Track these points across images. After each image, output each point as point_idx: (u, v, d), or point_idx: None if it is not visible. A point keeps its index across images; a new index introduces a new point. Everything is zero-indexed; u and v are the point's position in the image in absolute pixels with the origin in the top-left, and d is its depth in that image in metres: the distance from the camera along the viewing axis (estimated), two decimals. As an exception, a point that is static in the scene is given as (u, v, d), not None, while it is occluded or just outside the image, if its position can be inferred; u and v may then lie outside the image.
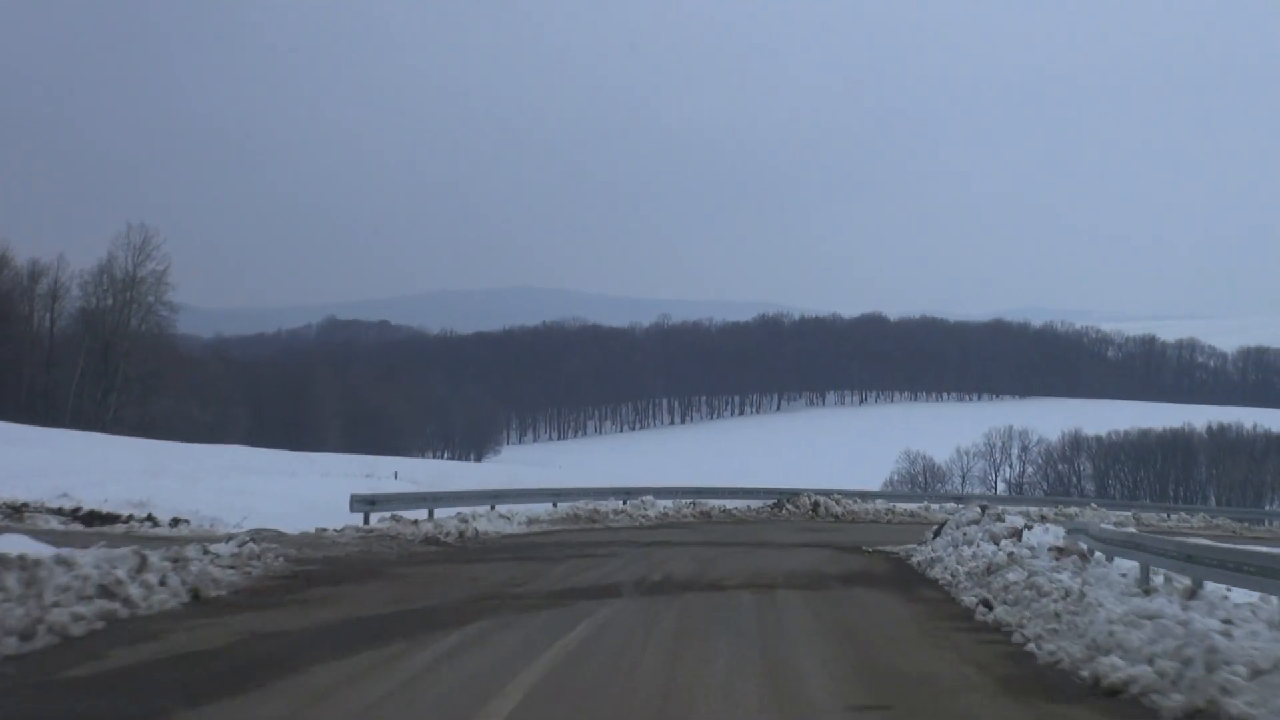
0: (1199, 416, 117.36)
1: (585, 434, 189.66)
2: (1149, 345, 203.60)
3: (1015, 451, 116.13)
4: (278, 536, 17.85)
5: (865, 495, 39.24)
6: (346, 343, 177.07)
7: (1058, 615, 10.18)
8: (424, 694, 7.55)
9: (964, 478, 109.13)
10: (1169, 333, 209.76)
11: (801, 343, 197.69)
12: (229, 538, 15.58)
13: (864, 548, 21.73)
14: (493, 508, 26.38)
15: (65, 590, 9.62)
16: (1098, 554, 15.69)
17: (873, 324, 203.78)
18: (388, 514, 22.79)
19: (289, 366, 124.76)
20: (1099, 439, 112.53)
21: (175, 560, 11.94)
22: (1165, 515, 43.17)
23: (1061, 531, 18.61)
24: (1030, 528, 18.69)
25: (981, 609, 12.05)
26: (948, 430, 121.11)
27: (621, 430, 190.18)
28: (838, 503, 35.26)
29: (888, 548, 21.30)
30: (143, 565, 11.13)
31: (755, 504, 34.61)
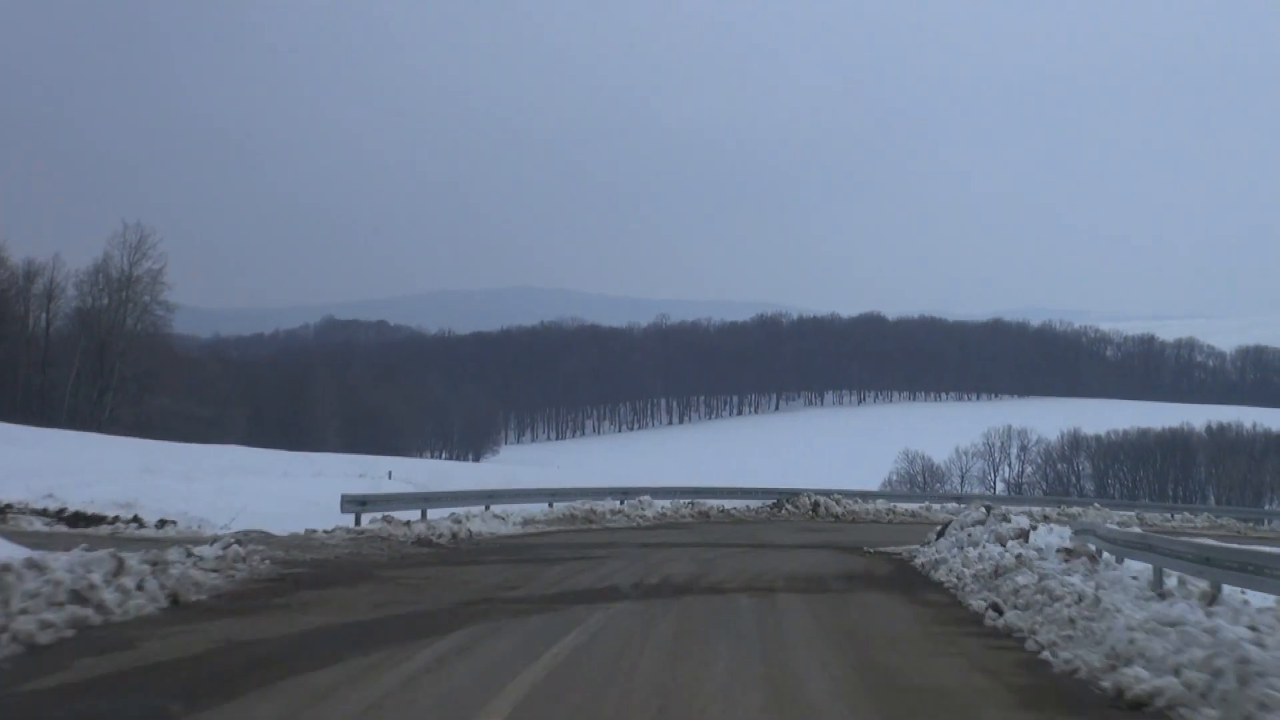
0: (1198, 416, 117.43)
1: (584, 434, 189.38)
2: (1148, 345, 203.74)
3: (1014, 451, 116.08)
4: (265, 538, 17.48)
5: (865, 495, 38.98)
6: (345, 343, 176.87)
7: (1072, 621, 9.76)
8: (407, 706, 7.14)
9: (963, 478, 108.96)
10: (1168, 332, 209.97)
11: (800, 343, 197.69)
12: (214, 539, 15.15)
13: (865, 549, 21.42)
14: (487, 508, 25.99)
15: (34, 596, 9.17)
16: (1107, 555, 15.31)
17: (872, 324, 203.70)
18: (379, 515, 22.36)
19: (287, 366, 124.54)
20: (1098, 439, 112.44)
21: (155, 563, 11.48)
22: (1168, 515, 42.91)
23: (1068, 532, 18.28)
24: (1036, 528, 18.35)
25: (991, 613, 11.64)
26: (947, 430, 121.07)
27: (620, 430, 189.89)
28: (838, 503, 34.91)
29: (889, 549, 21.01)
30: (120, 569, 10.69)
31: (754, 504, 34.33)
